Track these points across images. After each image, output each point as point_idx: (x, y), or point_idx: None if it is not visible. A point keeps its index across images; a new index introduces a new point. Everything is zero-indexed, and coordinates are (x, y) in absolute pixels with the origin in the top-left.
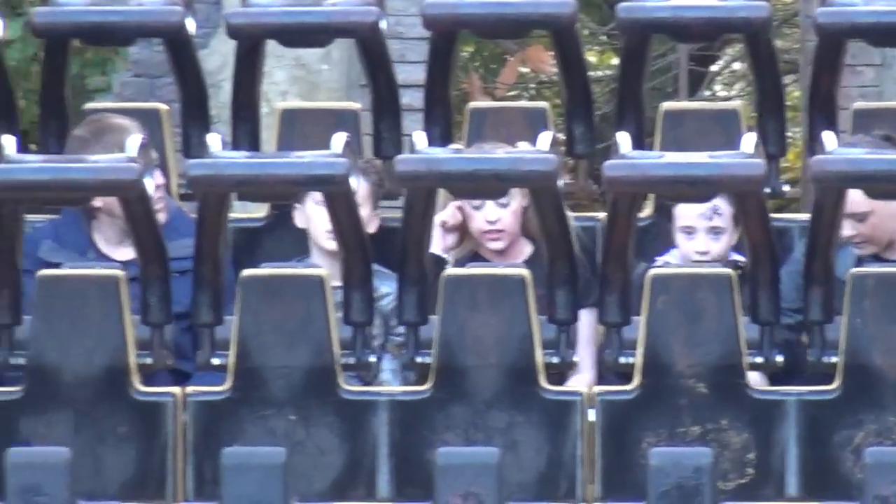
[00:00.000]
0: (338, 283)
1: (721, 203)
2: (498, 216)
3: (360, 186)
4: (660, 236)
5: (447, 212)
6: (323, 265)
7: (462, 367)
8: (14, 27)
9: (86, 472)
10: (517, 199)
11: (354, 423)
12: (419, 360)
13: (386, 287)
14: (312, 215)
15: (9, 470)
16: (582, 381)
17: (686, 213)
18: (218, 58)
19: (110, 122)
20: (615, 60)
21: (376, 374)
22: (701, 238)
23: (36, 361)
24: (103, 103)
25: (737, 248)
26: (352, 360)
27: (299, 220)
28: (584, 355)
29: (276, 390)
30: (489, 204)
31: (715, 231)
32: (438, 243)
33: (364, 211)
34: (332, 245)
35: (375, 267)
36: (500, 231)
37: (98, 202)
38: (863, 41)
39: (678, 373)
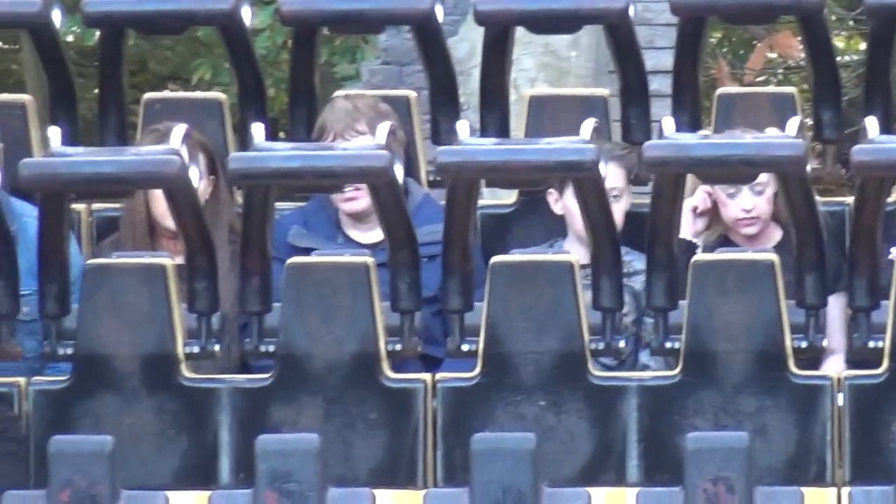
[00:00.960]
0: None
1: None
2: (753, 204)
3: (616, 173)
4: None
5: (697, 197)
6: (576, 252)
7: (711, 351)
8: (263, 16)
9: (336, 458)
10: (771, 187)
11: (604, 408)
12: (668, 345)
13: (638, 263)
14: (571, 206)
15: (259, 456)
16: (834, 365)
17: None
18: (467, 45)
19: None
20: (863, 45)
21: (627, 358)
22: None
23: (286, 349)
24: (352, 91)
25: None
26: (601, 346)
27: (557, 207)
28: (835, 340)
29: (526, 376)
30: (745, 191)
31: None
32: (688, 228)
33: (622, 201)
34: None
35: (625, 249)
36: (754, 218)
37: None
38: None
39: None
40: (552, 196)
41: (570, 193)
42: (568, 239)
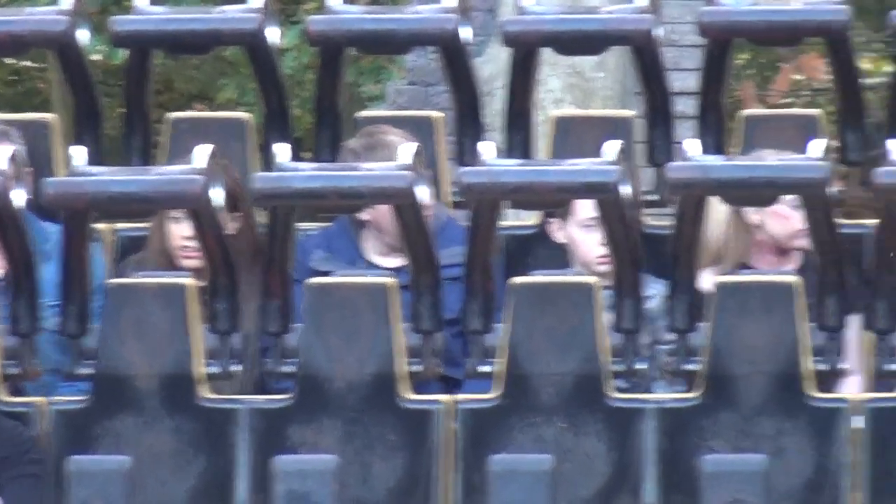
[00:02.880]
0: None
1: None
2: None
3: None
4: None
5: None
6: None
7: (731, 374)
8: (290, 35)
9: (353, 479)
10: None
11: (622, 430)
12: (687, 367)
13: (651, 290)
14: (577, 237)
15: (276, 477)
16: (852, 387)
17: None
18: (493, 65)
19: (384, 138)
20: (889, 68)
21: (645, 381)
22: None
23: (306, 369)
24: (377, 111)
25: None
26: (621, 367)
27: (559, 235)
28: (853, 362)
29: (545, 397)
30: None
31: None
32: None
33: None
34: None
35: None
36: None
37: (366, 215)
38: None
39: None
40: (554, 224)
41: (573, 221)
42: (573, 270)
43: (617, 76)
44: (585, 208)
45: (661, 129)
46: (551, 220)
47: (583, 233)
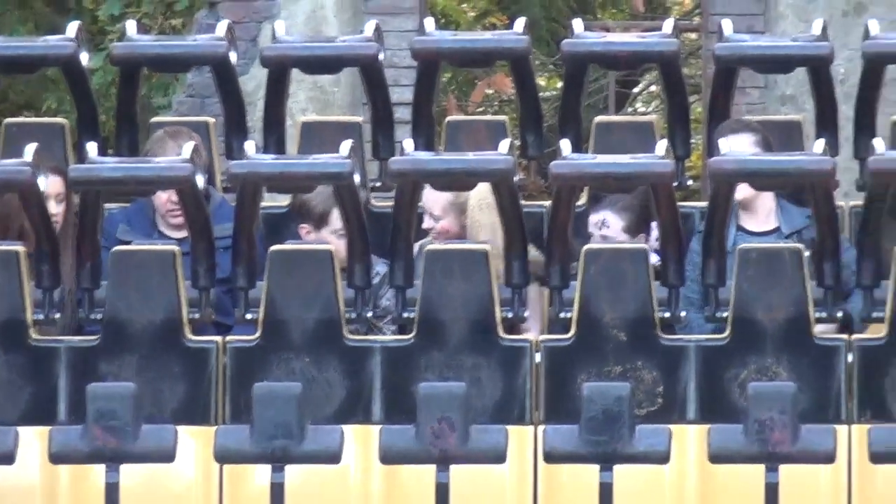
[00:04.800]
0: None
1: (609, 216)
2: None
3: None
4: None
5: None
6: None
7: (439, 320)
8: (97, 59)
9: (148, 401)
10: (451, 216)
11: (356, 364)
12: (405, 315)
13: (376, 268)
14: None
15: (89, 400)
16: (533, 331)
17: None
18: (254, 82)
19: (170, 139)
20: (560, 84)
21: (376, 327)
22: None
23: (111, 317)
24: (165, 118)
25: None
26: (353, 315)
27: (308, 238)
28: (534, 312)
29: (295, 338)
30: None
31: (605, 239)
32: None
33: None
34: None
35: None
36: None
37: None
38: (750, 69)
39: (604, 324)
40: (304, 229)
41: (326, 230)
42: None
43: (350, 90)
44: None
45: (384, 131)
46: (303, 224)
47: (335, 239)
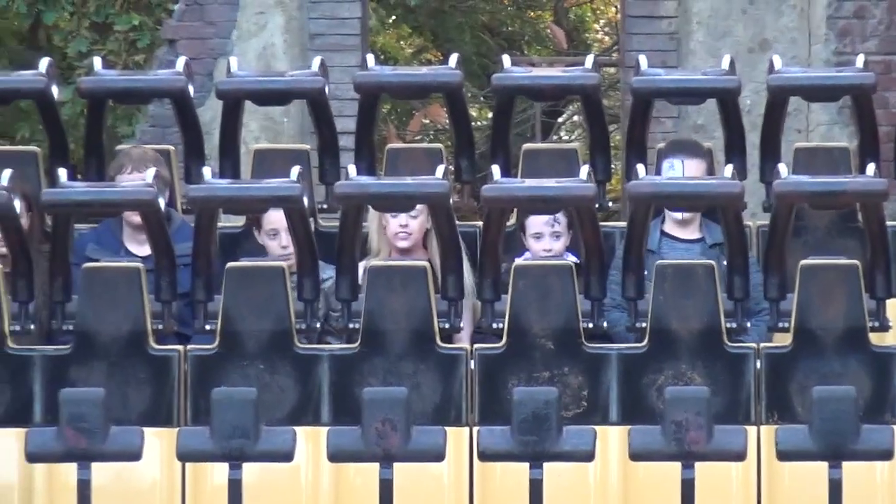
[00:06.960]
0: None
1: (560, 214)
2: (408, 223)
3: None
4: (517, 240)
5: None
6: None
7: (383, 330)
8: (66, 92)
9: (116, 405)
10: (424, 214)
11: (305, 371)
12: (351, 325)
13: (328, 273)
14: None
15: (62, 404)
16: (466, 340)
17: (536, 223)
18: (211, 113)
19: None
20: (490, 114)
21: (323, 336)
22: (546, 240)
23: (81, 327)
24: (129, 146)
25: (570, 250)
26: (303, 326)
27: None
28: (467, 322)
29: (250, 348)
30: (402, 215)
31: (556, 234)
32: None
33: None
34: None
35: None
36: (408, 234)
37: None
38: (664, 100)
39: (533, 334)
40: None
41: (262, 232)
42: (271, 256)
43: (298, 120)
44: (269, 222)
45: (330, 158)
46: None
47: (268, 240)
